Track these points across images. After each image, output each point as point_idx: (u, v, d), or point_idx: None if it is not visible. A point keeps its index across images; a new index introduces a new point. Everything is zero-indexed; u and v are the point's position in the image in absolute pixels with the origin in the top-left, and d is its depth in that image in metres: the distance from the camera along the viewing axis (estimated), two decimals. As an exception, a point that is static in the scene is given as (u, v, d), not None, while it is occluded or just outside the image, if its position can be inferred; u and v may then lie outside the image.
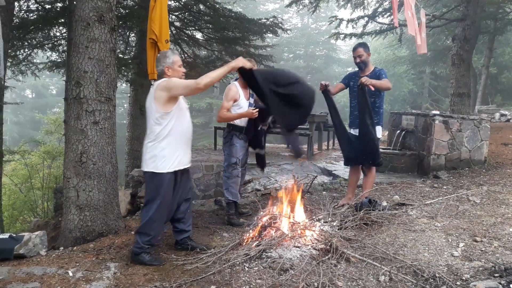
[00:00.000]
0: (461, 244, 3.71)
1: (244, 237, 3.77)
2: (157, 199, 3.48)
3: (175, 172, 3.57)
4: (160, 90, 3.39)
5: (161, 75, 3.55)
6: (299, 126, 9.74)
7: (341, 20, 11.99)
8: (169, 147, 3.47)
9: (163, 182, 3.49)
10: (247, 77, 3.72)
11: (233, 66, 3.44)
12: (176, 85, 3.37)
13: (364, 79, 4.47)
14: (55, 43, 8.70)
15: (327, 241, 3.50)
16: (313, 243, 3.59)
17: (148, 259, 3.53)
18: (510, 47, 21.54)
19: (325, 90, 4.77)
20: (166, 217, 3.68)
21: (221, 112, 4.52)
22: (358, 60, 4.83)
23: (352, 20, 12.04)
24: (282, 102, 3.63)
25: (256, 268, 3.21)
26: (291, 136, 4.06)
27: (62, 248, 4.16)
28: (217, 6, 8.98)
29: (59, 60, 9.20)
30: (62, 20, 7.73)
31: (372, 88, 4.50)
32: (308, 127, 9.44)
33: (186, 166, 3.68)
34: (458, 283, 2.98)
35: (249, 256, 3.34)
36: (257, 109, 4.45)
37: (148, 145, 3.50)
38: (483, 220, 4.35)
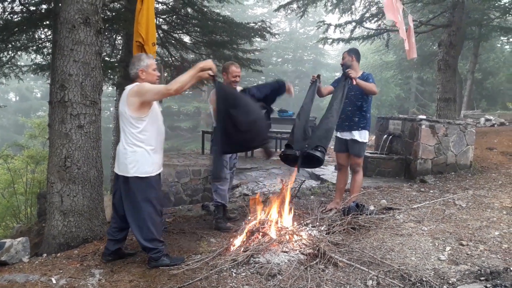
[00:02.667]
0: (448, 248, 3.73)
1: (232, 243, 3.73)
2: (148, 203, 3.42)
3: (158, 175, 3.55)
4: (132, 96, 3.34)
5: (134, 78, 3.48)
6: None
7: (329, 25, 12.06)
8: (150, 150, 3.42)
9: (151, 185, 3.45)
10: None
11: (200, 67, 3.24)
12: (148, 91, 3.31)
13: (350, 71, 4.55)
14: (39, 45, 8.57)
15: (315, 245, 3.49)
16: (301, 248, 3.58)
17: (169, 261, 3.48)
18: (494, 53, 21.93)
19: (315, 81, 4.68)
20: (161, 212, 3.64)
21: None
22: (341, 62, 5.04)
23: (339, 25, 12.12)
24: (230, 124, 3.40)
25: (243, 274, 3.18)
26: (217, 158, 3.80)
27: (45, 254, 4.07)
28: (205, 9, 8.96)
29: (43, 62, 9.07)
30: (47, 22, 7.63)
31: (354, 82, 4.53)
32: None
33: (160, 170, 3.64)
34: (444, 286, 2.99)
35: (236, 262, 3.32)
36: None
37: (126, 149, 3.40)
38: (469, 224, 4.39)
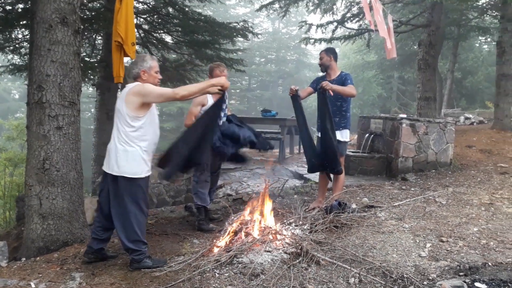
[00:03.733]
0: (428, 245, 3.79)
1: (215, 243, 3.71)
2: (135, 204, 3.38)
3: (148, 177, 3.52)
4: (133, 95, 3.29)
5: (135, 78, 3.42)
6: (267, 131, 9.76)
7: (311, 25, 12.14)
8: (142, 151, 3.38)
9: (139, 186, 3.41)
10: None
11: (213, 83, 3.38)
12: (151, 92, 3.28)
13: (325, 83, 4.54)
14: (16, 45, 8.37)
15: (297, 244, 3.50)
16: (284, 247, 3.58)
17: (151, 262, 3.44)
18: (473, 53, 22.40)
19: (295, 95, 4.78)
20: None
21: (189, 119, 4.42)
22: (319, 62, 5.06)
23: (321, 25, 12.21)
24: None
25: (226, 274, 3.17)
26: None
27: (24, 259, 3.99)
28: (186, 9, 8.90)
29: (21, 63, 8.86)
30: (24, 22, 7.46)
31: (331, 93, 4.56)
32: (279, 131, 9.48)
33: (150, 173, 3.60)
34: (425, 282, 3.04)
35: (219, 262, 3.30)
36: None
37: (118, 148, 3.35)
38: (449, 221, 4.47)
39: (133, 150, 3.34)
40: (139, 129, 3.35)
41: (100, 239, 3.59)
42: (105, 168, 3.46)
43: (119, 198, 3.38)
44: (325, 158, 4.77)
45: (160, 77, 3.54)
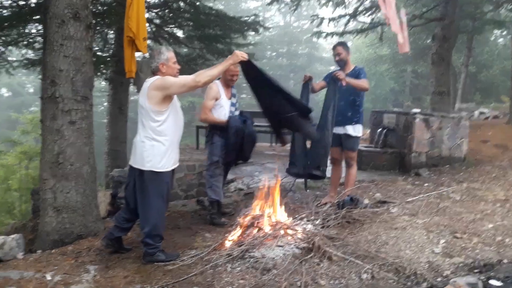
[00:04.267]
0: (442, 241, 3.74)
1: (227, 238, 3.72)
2: (159, 198, 3.43)
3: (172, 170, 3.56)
4: (154, 90, 3.31)
5: (155, 72, 3.44)
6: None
7: (323, 18, 12.03)
8: (168, 145, 3.42)
9: (165, 180, 3.45)
10: (248, 70, 3.76)
11: (231, 62, 3.49)
12: (173, 85, 3.30)
13: (340, 73, 4.52)
14: (30, 40, 8.46)
15: (309, 240, 3.49)
16: (296, 242, 3.58)
17: (164, 256, 3.49)
18: (488, 46, 22.01)
19: (307, 83, 4.72)
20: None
21: (203, 113, 4.47)
22: (337, 58, 4.90)
23: (333, 19, 12.09)
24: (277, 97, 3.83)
25: (238, 269, 3.18)
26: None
27: (39, 251, 4.05)
28: (198, 3, 8.88)
29: (35, 57, 8.95)
30: (38, 16, 7.52)
31: (344, 84, 4.52)
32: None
33: (177, 165, 3.63)
34: (438, 279, 3.01)
35: (231, 257, 3.31)
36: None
37: (145, 143, 3.38)
38: (463, 217, 4.41)
39: (159, 144, 3.38)
40: (164, 123, 3.38)
41: (122, 227, 3.67)
42: (131, 162, 3.50)
43: (144, 192, 3.43)
44: (312, 154, 4.70)
45: (179, 66, 3.56)
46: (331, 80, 4.67)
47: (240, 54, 3.51)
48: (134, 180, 3.49)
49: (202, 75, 3.31)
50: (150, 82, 3.38)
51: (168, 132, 3.41)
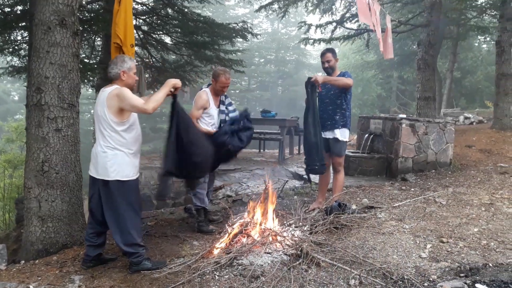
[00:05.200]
0: (429, 246, 3.77)
1: (215, 245, 3.70)
2: (129, 207, 3.38)
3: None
4: (112, 99, 3.29)
5: (115, 78, 3.42)
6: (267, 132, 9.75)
7: (310, 25, 12.14)
8: (131, 153, 3.40)
9: (132, 188, 3.42)
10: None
11: (173, 83, 3.40)
12: (127, 100, 3.24)
13: (314, 78, 4.57)
14: (15, 47, 8.37)
15: (297, 246, 3.49)
16: (284, 248, 3.57)
17: (151, 264, 3.45)
18: (472, 52, 22.39)
19: (315, 87, 4.72)
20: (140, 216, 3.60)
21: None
22: (326, 65, 4.92)
23: (320, 26, 12.20)
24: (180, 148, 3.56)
25: (226, 277, 3.16)
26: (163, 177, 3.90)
27: (23, 261, 3.98)
28: (186, 10, 8.87)
29: (20, 65, 8.85)
30: (23, 23, 7.45)
31: (319, 89, 4.63)
32: (279, 131, 9.47)
33: (138, 174, 3.60)
34: (425, 284, 3.03)
35: (219, 264, 3.29)
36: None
37: (107, 152, 3.34)
38: (449, 221, 4.46)
39: (122, 153, 3.35)
40: (124, 132, 3.36)
41: (95, 245, 3.57)
42: (93, 173, 3.43)
43: (112, 202, 3.37)
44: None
45: (136, 78, 3.57)
46: (310, 86, 4.67)
47: (173, 83, 3.41)
48: (99, 191, 3.43)
49: (149, 102, 3.25)
50: (108, 91, 3.34)
51: (130, 141, 3.40)
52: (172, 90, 3.41)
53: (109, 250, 3.95)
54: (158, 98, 3.28)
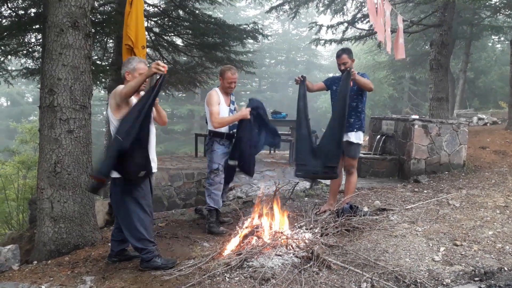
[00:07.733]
0: (442, 249, 3.72)
1: (225, 247, 3.69)
2: (135, 203, 3.41)
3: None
4: (111, 98, 3.39)
5: (122, 79, 3.51)
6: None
7: (321, 26, 12.08)
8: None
9: (141, 185, 3.43)
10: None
11: (152, 71, 3.17)
12: (116, 92, 3.32)
13: (354, 69, 4.47)
14: (29, 49, 8.47)
15: (308, 248, 3.46)
16: (294, 251, 3.55)
17: (161, 262, 3.47)
18: (486, 52, 22.08)
19: (302, 82, 4.72)
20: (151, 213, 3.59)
21: (214, 118, 4.41)
22: (342, 67, 4.72)
23: (331, 26, 12.13)
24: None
25: (237, 278, 3.14)
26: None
27: (35, 262, 4.02)
28: (197, 11, 8.92)
29: (34, 67, 8.96)
30: (37, 26, 7.54)
31: (356, 77, 4.48)
32: (290, 133, 9.43)
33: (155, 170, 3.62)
34: (439, 288, 2.98)
35: (230, 266, 3.28)
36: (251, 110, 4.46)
37: None
38: (463, 224, 4.38)
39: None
40: None
41: (118, 240, 3.65)
42: None
43: (118, 199, 3.45)
44: (323, 151, 4.59)
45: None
46: (345, 75, 4.52)
47: (155, 66, 3.15)
48: None
49: (126, 86, 3.26)
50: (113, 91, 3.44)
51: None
52: (157, 70, 3.15)
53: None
54: (131, 84, 3.21)
